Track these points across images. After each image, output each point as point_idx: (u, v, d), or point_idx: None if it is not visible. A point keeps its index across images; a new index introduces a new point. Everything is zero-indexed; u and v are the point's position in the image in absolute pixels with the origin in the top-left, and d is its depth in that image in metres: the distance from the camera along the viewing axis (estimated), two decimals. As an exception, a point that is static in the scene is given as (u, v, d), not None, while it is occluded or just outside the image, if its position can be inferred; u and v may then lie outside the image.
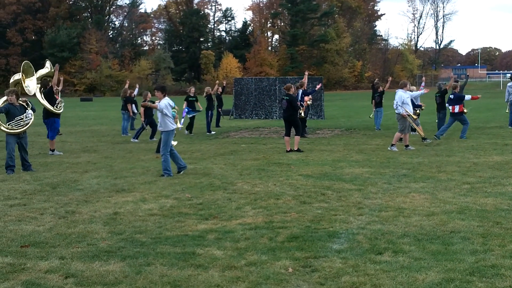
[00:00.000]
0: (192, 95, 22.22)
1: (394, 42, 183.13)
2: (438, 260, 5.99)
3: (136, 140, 19.13)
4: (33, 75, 14.75)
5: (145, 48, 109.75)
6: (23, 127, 12.85)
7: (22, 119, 12.82)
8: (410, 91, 16.97)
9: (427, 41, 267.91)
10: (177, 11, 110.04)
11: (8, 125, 12.67)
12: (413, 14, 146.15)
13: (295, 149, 15.55)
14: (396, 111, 15.81)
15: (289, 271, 5.74)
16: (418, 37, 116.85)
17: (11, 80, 14.94)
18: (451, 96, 18.12)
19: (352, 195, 9.51)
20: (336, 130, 22.78)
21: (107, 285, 5.47)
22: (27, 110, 13.08)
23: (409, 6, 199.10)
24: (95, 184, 10.91)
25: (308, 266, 5.91)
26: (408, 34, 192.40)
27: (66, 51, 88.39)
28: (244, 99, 31.18)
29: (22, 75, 14.38)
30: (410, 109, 15.86)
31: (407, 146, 15.70)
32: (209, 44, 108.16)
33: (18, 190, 10.39)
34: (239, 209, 8.65)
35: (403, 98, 15.69)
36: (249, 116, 31.06)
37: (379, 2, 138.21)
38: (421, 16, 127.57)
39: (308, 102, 21.21)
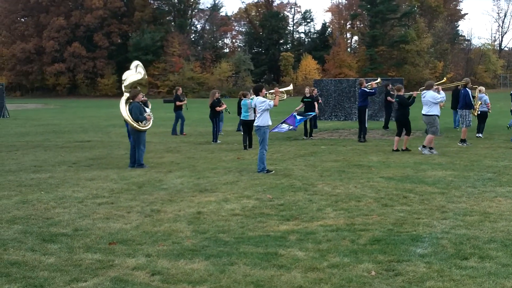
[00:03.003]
0: (308, 95, 20.74)
1: (477, 42, 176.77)
2: (527, 267, 5.80)
3: (218, 141, 19.42)
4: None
5: (225, 50, 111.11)
6: (150, 123, 13.75)
7: (149, 115, 13.73)
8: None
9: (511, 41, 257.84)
10: (257, 14, 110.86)
11: (141, 122, 13.47)
12: (497, 13, 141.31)
13: (403, 148, 15.93)
14: (428, 112, 15.37)
15: (372, 274, 5.72)
16: (502, 37, 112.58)
17: (130, 81, 13.97)
18: None
19: (435, 199, 9.33)
20: (417, 132, 22.31)
21: (192, 283, 5.62)
22: (147, 108, 14.02)
23: (493, 5, 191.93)
24: (179, 184, 11.19)
25: (391, 269, 5.86)
26: (492, 34, 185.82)
27: (150, 54, 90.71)
28: (324, 100, 31.02)
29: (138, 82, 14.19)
30: (437, 110, 15.47)
31: (424, 147, 15.42)
32: (288, 46, 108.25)
33: (105, 189, 10.80)
34: (320, 210, 8.66)
35: (435, 96, 15.34)
36: (328, 117, 30.92)
37: (461, 1, 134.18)
38: (505, 15, 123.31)
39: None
